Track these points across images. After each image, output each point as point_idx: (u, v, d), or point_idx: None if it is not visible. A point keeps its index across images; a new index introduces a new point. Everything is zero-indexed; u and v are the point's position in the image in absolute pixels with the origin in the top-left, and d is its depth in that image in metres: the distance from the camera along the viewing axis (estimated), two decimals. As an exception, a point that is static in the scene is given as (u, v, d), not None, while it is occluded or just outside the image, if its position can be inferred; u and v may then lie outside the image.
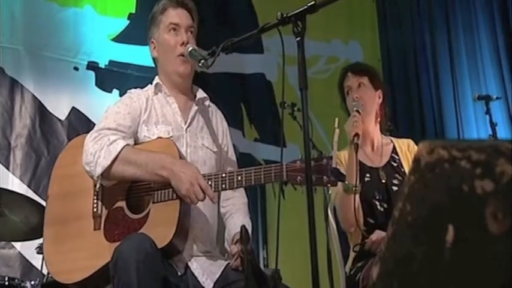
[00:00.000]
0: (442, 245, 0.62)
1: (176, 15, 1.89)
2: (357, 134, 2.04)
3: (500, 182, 0.60)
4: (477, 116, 4.19)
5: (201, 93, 1.95)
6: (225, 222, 1.88)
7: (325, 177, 1.56)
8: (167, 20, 1.88)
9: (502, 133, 3.74)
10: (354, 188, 2.01)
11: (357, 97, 2.19)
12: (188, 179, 1.60)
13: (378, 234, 2.02)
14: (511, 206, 0.59)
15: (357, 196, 2.05)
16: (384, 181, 2.15)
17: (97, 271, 1.62)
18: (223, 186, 1.65)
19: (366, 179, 2.16)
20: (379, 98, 2.28)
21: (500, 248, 0.60)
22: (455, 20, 4.57)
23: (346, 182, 2.03)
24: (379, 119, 2.28)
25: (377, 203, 2.12)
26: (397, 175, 2.17)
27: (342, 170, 2.11)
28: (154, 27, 1.92)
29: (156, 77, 1.94)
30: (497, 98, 3.34)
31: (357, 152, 2.02)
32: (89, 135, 1.72)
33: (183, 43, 1.84)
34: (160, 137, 1.78)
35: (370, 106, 2.21)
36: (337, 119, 1.58)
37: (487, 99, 3.24)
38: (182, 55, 1.83)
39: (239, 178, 1.64)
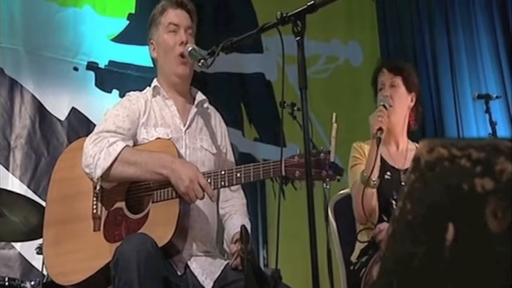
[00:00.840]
0: (442, 243, 0.62)
1: (175, 16, 1.89)
2: (380, 129, 2.01)
3: (500, 180, 0.60)
4: (477, 114, 4.19)
5: (200, 96, 1.95)
6: (224, 223, 1.88)
7: (323, 171, 1.56)
8: (166, 21, 1.89)
9: (502, 132, 3.74)
10: (369, 181, 1.99)
11: (386, 95, 2.16)
12: (188, 177, 1.60)
13: (385, 225, 2.01)
14: (511, 204, 0.59)
15: (375, 191, 2.03)
16: (403, 183, 2.14)
17: (97, 272, 1.62)
18: (223, 183, 1.66)
19: (387, 176, 2.13)
20: (411, 101, 2.23)
21: (500, 247, 0.60)
22: (455, 19, 4.57)
23: (364, 174, 2.02)
24: (407, 123, 2.24)
25: (393, 202, 2.10)
26: None
27: (358, 166, 2.12)
28: (153, 28, 1.93)
29: (155, 80, 1.94)
30: (497, 97, 3.34)
31: (378, 146, 1.99)
32: (88, 137, 1.73)
33: (182, 43, 1.84)
34: (159, 138, 1.78)
35: (400, 107, 2.18)
36: (334, 114, 1.58)
37: (486, 98, 3.24)
38: (181, 55, 1.83)
39: (238, 175, 1.64)
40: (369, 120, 2.06)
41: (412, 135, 2.34)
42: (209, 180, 1.65)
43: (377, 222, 2.07)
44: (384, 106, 2.09)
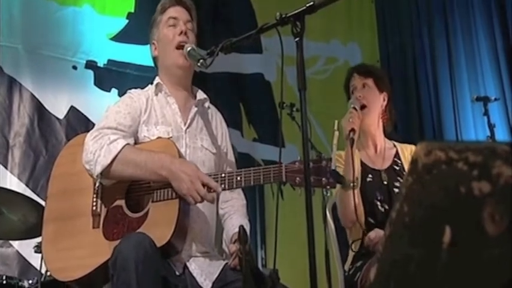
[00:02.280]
0: (439, 246, 0.63)
1: (174, 11, 1.93)
2: (352, 129, 2.04)
3: (497, 183, 0.60)
4: (475, 117, 4.19)
5: (201, 94, 1.95)
6: (223, 224, 1.88)
7: (324, 179, 1.57)
8: (166, 16, 1.92)
9: (500, 134, 3.74)
10: (351, 184, 2.00)
11: (359, 96, 2.19)
12: (188, 178, 1.60)
13: (376, 233, 2.02)
14: (508, 207, 0.60)
15: (358, 193, 2.05)
16: (385, 183, 2.16)
17: (95, 269, 1.62)
18: (223, 186, 1.65)
19: (368, 179, 2.16)
20: (384, 100, 2.27)
21: (497, 250, 0.60)
22: (454, 21, 4.57)
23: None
24: (382, 122, 2.27)
25: (378, 203, 2.12)
26: (399, 178, 2.17)
27: (340, 171, 2.12)
28: (154, 28, 1.96)
29: (157, 77, 1.94)
30: (495, 99, 3.34)
31: (352, 147, 2.01)
32: (89, 134, 1.73)
33: (181, 32, 1.86)
34: (160, 137, 1.78)
35: (373, 107, 2.21)
36: (336, 122, 1.59)
37: (485, 100, 3.25)
38: (181, 46, 1.83)
39: (238, 178, 1.64)
40: (341, 125, 2.07)
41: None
42: None
43: (364, 226, 2.09)
44: (354, 108, 2.12)
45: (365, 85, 2.24)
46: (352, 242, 2.14)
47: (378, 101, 2.24)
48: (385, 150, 2.26)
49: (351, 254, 2.17)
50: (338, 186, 2.08)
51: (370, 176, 2.17)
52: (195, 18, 1.97)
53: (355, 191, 2.02)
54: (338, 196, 2.14)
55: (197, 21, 1.99)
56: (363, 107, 2.17)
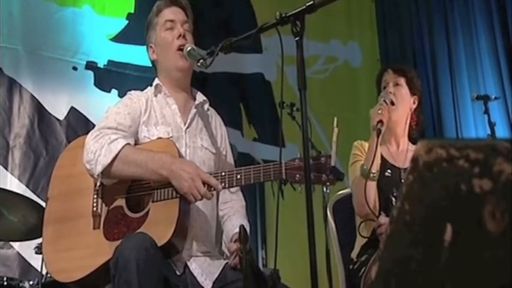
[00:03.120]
0: (440, 244, 0.62)
1: (170, 13, 1.92)
2: (380, 121, 2.04)
3: (498, 180, 0.60)
4: (476, 115, 4.19)
5: (200, 96, 1.96)
6: (223, 225, 1.88)
7: (323, 175, 1.56)
8: (162, 19, 1.92)
9: (501, 133, 3.74)
10: (369, 173, 2.00)
11: (390, 92, 2.20)
12: (189, 176, 1.60)
13: (386, 219, 2.02)
14: (509, 204, 0.59)
15: (375, 186, 2.04)
16: (403, 181, 2.14)
17: (96, 270, 1.62)
18: (223, 184, 1.66)
19: (387, 174, 2.16)
20: (414, 103, 2.27)
21: (498, 247, 0.60)
22: (454, 19, 4.57)
23: (365, 167, 2.03)
24: (408, 125, 2.27)
25: (393, 199, 2.12)
26: None
27: (359, 162, 2.12)
28: (151, 31, 1.95)
29: (156, 79, 1.94)
30: (495, 97, 3.34)
31: (378, 138, 2.01)
32: (89, 134, 1.73)
33: (179, 35, 1.86)
34: (160, 137, 1.78)
35: (402, 106, 2.21)
36: (336, 118, 1.59)
37: (485, 99, 3.24)
38: (181, 49, 1.84)
39: (238, 177, 1.64)
40: (370, 114, 2.09)
41: (412, 139, 2.35)
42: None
43: (377, 218, 2.08)
44: (385, 101, 2.12)
45: (397, 83, 2.24)
46: (360, 223, 2.11)
47: (408, 102, 2.24)
48: (407, 151, 2.25)
49: (358, 241, 2.15)
50: (355, 174, 2.08)
51: (389, 171, 2.16)
52: (190, 16, 1.96)
53: (373, 183, 2.01)
54: (354, 185, 2.13)
55: (197, 21, 1.99)
56: (391, 103, 2.16)
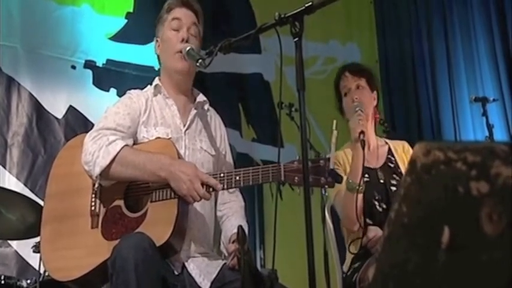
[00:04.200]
0: (438, 246, 0.63)
1: (180, 13, 1.91)
2: (362, 132, 2.04)
3: (496, 183, 0.60)
4: (474, 118, 4.20)
5: (201, 97, 1.96)
6: (221, 225, 1.88)
7: (322, 178, 1.57)
8: (171, 17, 1.91)
9: (499, 135, 3.74)
10: (358, 187, 2.00)
11: (356, 98, 2.20)
12: (187, 178, 1.60)
13: (375, 232, 2.02)
14: (506, 207, 0.60)
15: (361, 197, 2.05)
16: (382, 181, 2.16)
17: (94, 269, 1.62)
18: (222, 185, 1.65)
19: (365, 179, 2.16)
20: (375, 99, 2.29)
21: (496, 250, 0.60)
22: (453, 21, 4.58)
23: (350, 181, 2.03)
24: (374, 120, 2.29)
25: (376, 203, 2.12)
26: (394, 175, 2.18)
27: (340, 172, 2.12)
28: (159, 25, 1.95)
29: (156, 78, 1.94)
30: (494, 100, 3.35)
31: (363, 149, 2.02)
32: (88, 134, 1.73)
33: (182, 40, 1.85)
34: (159, 138, 1.78)
35: (368, 108, 2.22)
36: (335, 121, 1.59)
37: (483, 101, 3.25)
38: (180, 51, 1.84)
39: (237, 178, 1.64)
40: (350, 126, 2.09)
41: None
42: None
43: (363, 226, 2.08)
44: (361, 110, 2.12)
45: (359, 86, 2.24)
46: (350, 242, 2.13)
47: (371, 101, 2.27)
48: (378, 148, 2.27)
49: (348, 256, 2.17)
50: (340, 188, 2.08)
51: (366, 175, 2.17)
52: (201, 21, 1.95)
53: (359, 195, 2.02)
54: (341, 199, 2.13)
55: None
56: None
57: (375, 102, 2.29)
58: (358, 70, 2.30)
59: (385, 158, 2.23)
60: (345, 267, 2.16)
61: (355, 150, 2.07)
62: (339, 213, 2.18)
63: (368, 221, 2.11)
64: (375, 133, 2.32)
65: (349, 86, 2.25)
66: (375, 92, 2.29)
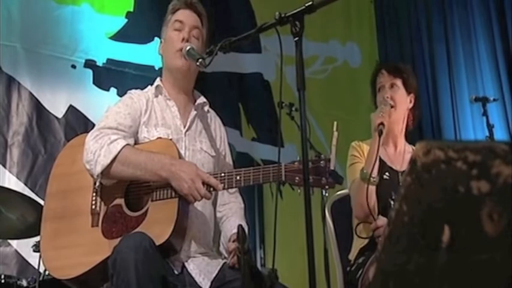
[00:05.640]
0: (438, 245, 0.63)
1: (183, 14, 1.92)
2: (382, 123, 2.04)
3: (496, 183, 0.60)
4: (474, 117, 4.20)
5: (201, 99, 1.96)
6: (221, 226, 1.88)
7: (323, 178, 1.57)
8: (174, 18, 1.92)
9: (499, 135, 3.74)
10: (369, 178, 2.00)
11: (387, 97, 2.18)
12: (188, 177, 1.60)
13: (383, 221, 2.02)
14: (507, 207, 0.60)
15: (374, 188, 2.04)
16: (401, 182, 2.14)
17: (94, 267, 1.62)
18: (222, 185, 1.65)
19: (385, 177, 2.15)
20: (410, 102, 2.26)
21: (496, 249, 0.60)
22: (453, 21, 4.57)
23: (364, 171, 2.03)
24: (405, 124, 2.27)
25: (392, 202, 2.11)
26: None
27: (357, 164, 2.12)
28: (164, 26, 1.96)
29: (158, 79, 1.95)
30: (494, 99, 3.34)
31: (380, 138, 2.01)
32: (89, 134, 1.73)
33: (183, 39, 1.85)
34: (160, 137, 1.78)
35: (400, 108, 2.20)
36: (335, 123, 1.59)
37: (484, 100, 3.24)
38: (181, 50, 1.84)
39: (238, 178, 1.64)
40: (371, 117, 2.09)
41: (409, 137, 2.35)
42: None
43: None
44: (385, 106, 2.12)
45: (393, 85, 2.22)
46: (358, 224, 2.11)
47: (405, 103, 2.23)
48: (404, 153, 2.24)
49: (355, 244, 2.15)
50: (354, 178, 2.08)
51: (387, 174, 2.16)
52: (205, 24, 1.95)
53: (373, 187, 2.02)
54: (353, 187, 2.12)
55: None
56: (391, 107, 2.16)
57: (410, 105, 2.26)
58: (395, 69, 2.27)
59: None
60: (351, 256, 2.14)
61: (372, 140, 2.07)
62: (352, 201, 2.16)
63: (380, 216, 2.10)
64: (405, 136, 2.28)
65: (384, 83, 2.23)
66: (412, 95, 2.26)
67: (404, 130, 2.28)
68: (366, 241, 2.09)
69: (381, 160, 2.15)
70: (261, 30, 1.57)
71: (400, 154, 2.24)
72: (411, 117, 2.29)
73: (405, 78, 2.25)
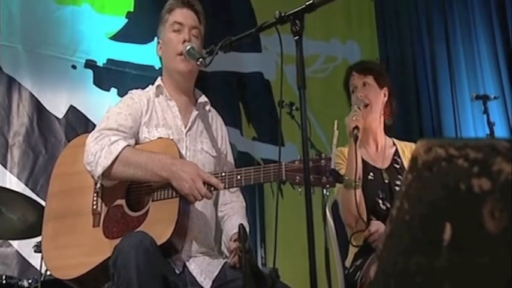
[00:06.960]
0: (440, 243, 0.62)
1: (181, 15, 1.90)
2: (356, 127, 2.04)
3: (498, 180, 0.60)
4: (475, 115, 4.19)
5: (202, 98, 1.96)
6: (223, 225, 1.88)
7: (323, 178, 1.57)
8: (172, 19, 1.90)
9: (500, 133, 3.74)
10: (353, 184, 2.01)
11: (361, 95, 2.20)
12: (189, 177, 1.61)
13: (376, 226, 2.02)
14: (508, 204, 0.59)
15: (360, 191, 2.05)
16: (387, 181, 2.16)
17: (95, 267, 1.62)
18: (223, 185, 1.65)
19: (369, 177, 2.16)
20: (384, 96, 2.28)
21: (498, 247, 0.60)
22: (453, 19, 4.57)
23: (346, 178, 2.03)
24: (383, 118, 2.28)
25: (380, 201, 2.12)
26: (399, 176, 2.17)
27: (342, 171, 2.12)
28: (161, 26, 1.95)
29: (159, 78, 1.94)
30: (495, 97, 3.34)
31: (356, 143, 2.01)
32: (90, 135, 1.73)
33: (184, 41, 1.84)
34: (161, 137, 1.78)
35: (375, 105, 2.21)
36: (336, 121, 1.59)
37: (484, 98, 3.24)
38: (181, 53, 1.84)
39: (238, 177, 1.64)
40: (345, 122, 2.09)
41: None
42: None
43: (366, 221, 2.08)
44: (358, 108, 2.12)
45: (365, 83, 2.24)
46: (352, 234, 2.12)
47: (379, 98, 2.25)
48: (385, 149, 2.26)
49: (351, 250, 2.16)
50: (339, 184, 2.08)
51: (371, 174, 2.17)
52: (203, 22, 1.94)
53: (358, 191, 2.02)
54: (340, 194, 2.14)
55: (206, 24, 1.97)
56: (365, 105, 2.17)
57: (384, 99, 2.27)
58: (364, 68, 2.29)
59: (391, 160, 2.23)
60: (347, 263, 2.16)
61: (349, 145, 2.07)
62: (339, 209, 2.18)
63: (372, 218, 2.11)
64: (385, 131, 2.30)
65: (356, 84, 2.25)
66: (385, 89, 2.27)
67: (382, 125, 2.29)
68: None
69: (364, 161, 2.16)
70: (261, 29, 1.57)
71: (382, 151, 2.25)
72: (387, 111, 2.30)
73: (375, 74, 2.26)
